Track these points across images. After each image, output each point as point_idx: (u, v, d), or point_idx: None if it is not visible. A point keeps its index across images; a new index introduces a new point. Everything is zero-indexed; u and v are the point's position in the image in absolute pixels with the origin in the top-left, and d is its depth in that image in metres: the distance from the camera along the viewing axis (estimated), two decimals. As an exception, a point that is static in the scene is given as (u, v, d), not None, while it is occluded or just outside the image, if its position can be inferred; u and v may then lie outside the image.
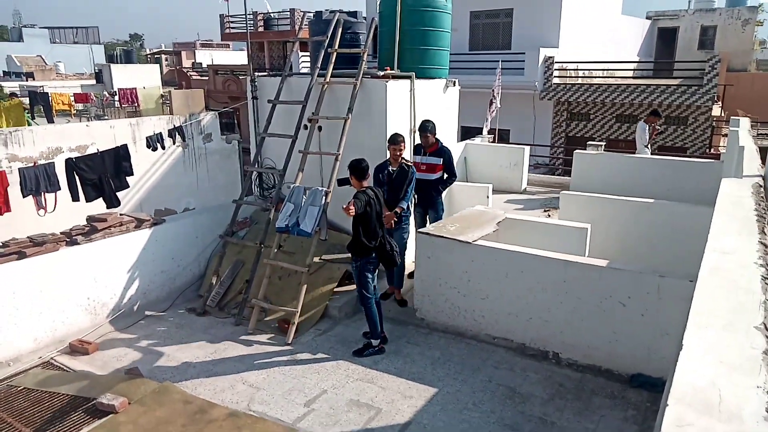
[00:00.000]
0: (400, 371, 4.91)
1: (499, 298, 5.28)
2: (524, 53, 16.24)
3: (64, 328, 5.50)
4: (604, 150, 9.88)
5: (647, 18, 24.13)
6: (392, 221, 5.79)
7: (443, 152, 6.37)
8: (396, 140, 5.85)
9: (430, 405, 4.42)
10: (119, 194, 6.58)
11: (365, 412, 4.33)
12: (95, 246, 5.76)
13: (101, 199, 6.14)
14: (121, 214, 6.28)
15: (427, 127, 6.25)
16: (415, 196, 6.46)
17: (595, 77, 17.04)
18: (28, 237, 5.48)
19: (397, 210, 5.84)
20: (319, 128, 6.75)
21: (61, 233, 5.71)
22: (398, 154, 5.84)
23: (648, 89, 15.08)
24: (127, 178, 6.66)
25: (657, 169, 8.57)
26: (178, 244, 6.59)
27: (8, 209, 5.54)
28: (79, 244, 5.65)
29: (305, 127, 6.75)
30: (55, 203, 5.70)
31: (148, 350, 5.37)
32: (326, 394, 4.57)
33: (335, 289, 6.22)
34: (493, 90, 12.25)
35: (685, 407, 1.37)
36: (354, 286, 5.78)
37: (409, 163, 6.00)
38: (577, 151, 9.60)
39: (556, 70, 16.15)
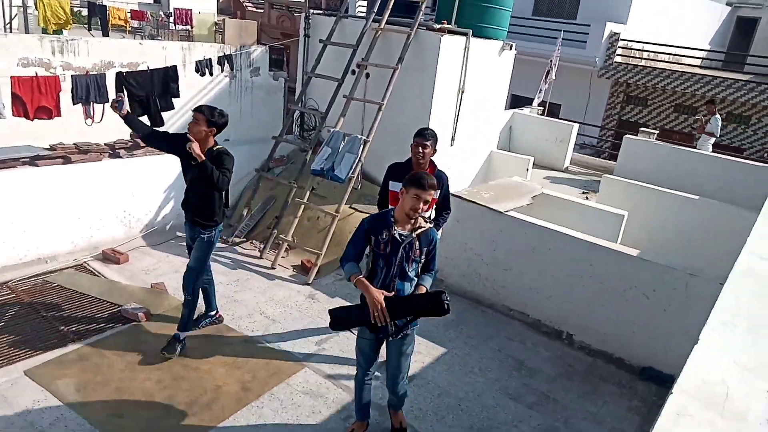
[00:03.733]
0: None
1: (522, 272, 5.25)
2: (589, 26, 15.51)
3: (99, 235, 5.73)
4: (657, 139, 9.51)
5: (727, 4, 22.66)
6: (386, 325, 3.08)
7: (440, 179, 3.90)
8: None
9: (437, 364, 4.49)
10: (164, 115, 6.67)
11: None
12: (136, 161, 5.91)
13: (146, 116, 6.25)
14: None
15: (426, 134, 3.99)
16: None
17: (660, 61, 16.23)
18: (74, 144, 5.66)
19: (420, 291, 3.18)
20: (367, 75, 6.67)
21: (105, 144, 5.88)
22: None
23: (714, 81, 14.31)
24: (174, 100, 6.73)
25: (708, 166, 8.23)
26: (214, 171, 6.70)
27: (59, 114, 5.69)
28: (121, 157, 5.81)
29: (353, 72, 6.67)
30: (103, 114, 5.84)
31: (174, 269, 5.56)
32: (337, 336, 4.68)
33: (361, 238, 6.28)
34: (551, 60, 11.81)
35: (690, 398, 1.36)
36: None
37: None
38: (627, 136, 9.28)
39: (619, 48, 15.43)
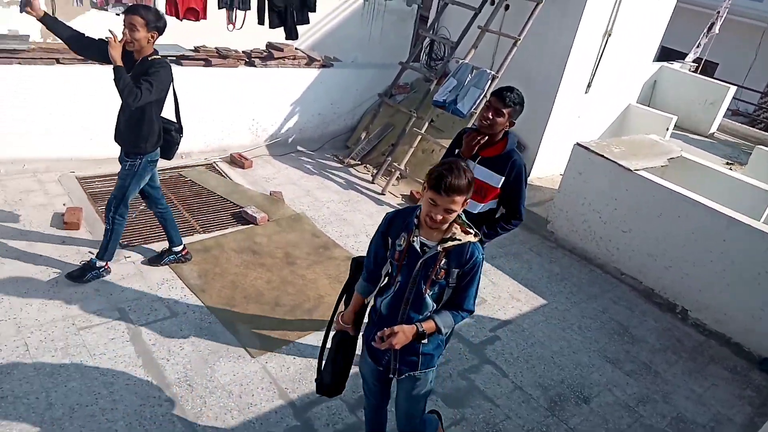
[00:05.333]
0: (515, 273, 4.88)
1: (642, 236, 4.90)
2: (772, -26, 13.39)
3: (229, 139, 6.09)
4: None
5: None
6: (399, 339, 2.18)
7: (512, 164, 2.95)
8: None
9: (534, 313, 4.40)
10: (299, 29, 6.77)
11: (470, 297, 4.43)
12: (269, 72, 6.12)
13: (282, 28, 6.37)
14: (296, 48, 6.54)
15: (506, 97, 2.88)
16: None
17: None
18: (215, 48, 5.93)
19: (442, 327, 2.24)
20: (506, 6, 6.27)
21: (242, 52, 6.11)
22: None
23: None
24: (310, 15, 6.79)
25: None
26: (339, 91, 6.79)
27: (205, 17, 5.95)
28: (255, 66, 6.03)
29: (492, 2, 6.31)
30: (243, 21, 6.02)
31: (292, 181, 5.82)
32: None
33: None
34: (717, 12, 10.42)
35: None
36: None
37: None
38: (794, 105, 8.09)
39: (805, 3, 13.23)
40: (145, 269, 4.01)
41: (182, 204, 4.98)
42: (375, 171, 6.32)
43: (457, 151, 3.06)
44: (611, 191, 5.08)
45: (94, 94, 5.03)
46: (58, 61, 4.93)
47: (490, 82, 5.80)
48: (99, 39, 3.40)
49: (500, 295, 4.55)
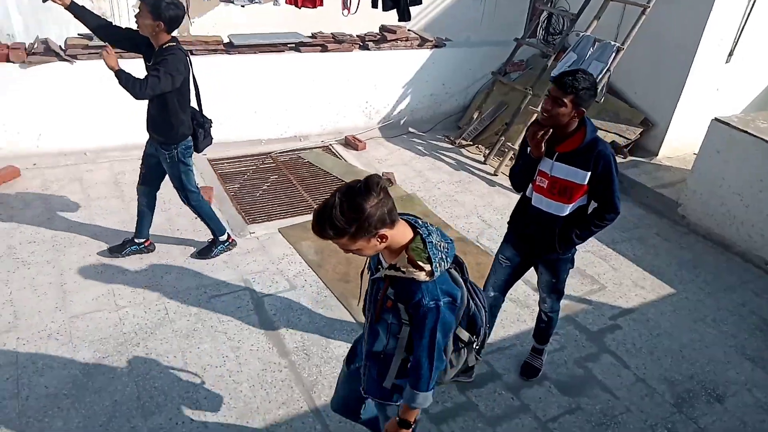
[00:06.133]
0: (639, 259, 4.55)
1: (793, 222, 4.34)
2: None
3: (344, 122, 6.27)
4: None
5: None
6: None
7: (598, 155, 2.57)
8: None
9: (661, 303, 4.08)
10: (411, 10, 6.76)
11: (588, 283, 4.21)
12: (381, 54, 6.19)
13: (395, 11, 6.39)
14: (408, 30, 6.54)
15: (567, 83, 2.44)
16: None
17: None
18: (331, 33, 6.10)
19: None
20: (635, -28, 5.77)
21: (356, 36, 6.23)
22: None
23: None
24: (422, -5, 6.75)
25: None
26: (451, 71, 6.70)
27: (321, 3, 6.14)
28: (369, 49, 6.12)
29: (619, -32, 5.84)
30: (357, 6, 6.13)
31: (404, 162, 5.87)
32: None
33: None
34: None
35: None
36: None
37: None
38: None
39: None
40: (268, 244, 4.27)
41: (301, 184, 5.22)
42: (487, 151, 6.18)
43: (528, 149, 2.69)
44: (757, 171, 4.54)
45: (216, 84, 5.40)
46: (191, 52, 5.36)
47: (614, 54, 5.41)
48: (126, 28, 3.46)
49: (622, 281, 4.27)
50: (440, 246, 1.78)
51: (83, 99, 4.98)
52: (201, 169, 5.21)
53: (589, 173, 2.59)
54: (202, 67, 5.30)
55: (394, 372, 1.96)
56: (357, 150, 5.98)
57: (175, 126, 3.46)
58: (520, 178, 2.84)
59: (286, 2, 6.28)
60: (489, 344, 3.22)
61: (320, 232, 1.66)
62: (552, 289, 3.05)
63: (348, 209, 1.61)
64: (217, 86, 5.38)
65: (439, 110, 6.85)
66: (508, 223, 3.00)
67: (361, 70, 6.13)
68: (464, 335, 1.97)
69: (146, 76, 3.19)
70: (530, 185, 2.80)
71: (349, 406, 2.39)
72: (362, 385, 2.10)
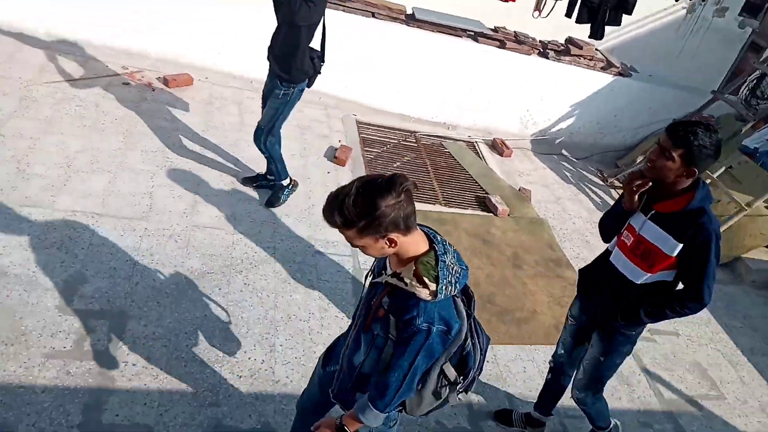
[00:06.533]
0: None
1: None
2: None
3: (497, 123, 6.02)
4: None
5: None
6: None
7: (698, 228, 2.14)
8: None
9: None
10: (606, 29, 6.29)
11: (706, 386, 3.73)
12: (559, 67, 5.84)
13: (589, 25, 5.98)
14: (596, 49, 6.11)
15: (680, 133, 2.10)
16: None
17: None
18: (514, 31, 5.86)
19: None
20: None
21: (539, 41, 5.93)
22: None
23: None
24: (623, 16, 6.24)
25: None
26: (627, 104, 6.19)
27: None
28: (548, 58, 5.80)
29: None
30: (551, 10, 5.80)
31: (545, 183, 5.55)
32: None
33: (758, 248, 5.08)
34: None
35: None
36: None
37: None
38: None
39: None
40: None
41: (434, 173, 5.12)
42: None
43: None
44: None
45: (388, 52, 5.41)
46: (373, 15, 5.40)
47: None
48: None
49: (747, 400, 3.71)
50: (453, 269, 1.63)
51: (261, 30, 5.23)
52: (347, 128, 5.30)
53: (681, 246, 2.16)
54: (379, 31, 5.36)
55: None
56: (501, 156, 5.75)
57: (299, 62, 3.44)
58: (608, 226, 2.49)
59: (480, -12, 6.11)
60: (571, 408, 2.95)
61: (329, 218, 1.56)
62: (594, 371, 2.57)
63: (362, 202, 1.50)
64: (388, 54, 5.40)
65: (601, 141, 6.37)
66: (579, 276, 2.65)
67: (533, 77, 5.83)
68: (451, 374, 1.78)
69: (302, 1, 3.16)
70: (616, 238, 2.45)
71: (317, 410, 2.18)
72: (332, 388, 1.96)
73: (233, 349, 2.89)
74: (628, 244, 2.34)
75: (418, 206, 4.39)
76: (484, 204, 4.83)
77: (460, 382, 1.81)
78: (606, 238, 2.54)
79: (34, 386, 2.44)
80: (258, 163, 4.25)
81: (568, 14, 5.84)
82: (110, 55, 5.00)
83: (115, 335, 2.76)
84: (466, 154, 5.57)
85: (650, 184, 2.22)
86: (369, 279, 1.83)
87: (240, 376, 2.79)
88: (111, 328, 2.79)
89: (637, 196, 2.26)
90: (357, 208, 1.50)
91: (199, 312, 3.03)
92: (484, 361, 1.89)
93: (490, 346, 1.99)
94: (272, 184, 4.03)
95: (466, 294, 1.80)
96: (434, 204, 4.67)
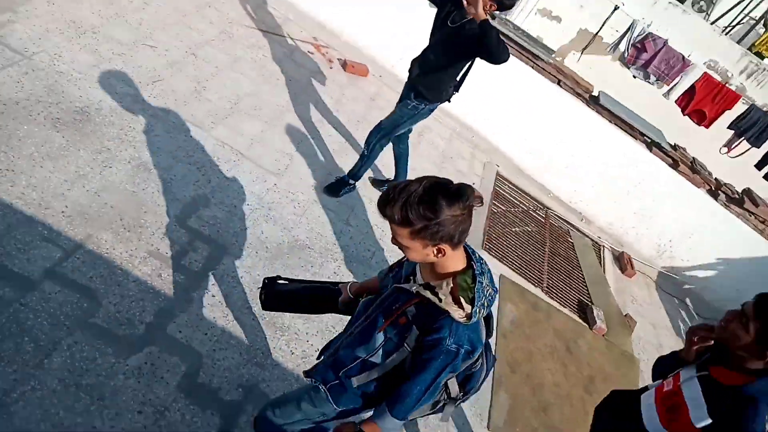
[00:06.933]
0: None
1: None
2: None
3: (631, 238, 5.64)
4: None
5: None
6: None
7: (739, 415, 1.80)
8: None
9: None
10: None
11: None
12: (724, 214, 5.32)
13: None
14: (772, 214, 5.59)
15: (760, 308, 1.84)
16: None
17: None
18: (692, 157, 5.53)
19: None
20: None
21: (715, 178, 5.54)
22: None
23: None
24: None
25: None
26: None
27: (707, 126, 5.60)
28: (715, 200, 5.39)
29: None
30: (742, 153, 5.41)
31: (653, 321, 5.13)
32: None
33: None
34: None
35: None
36: None
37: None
38: None
39: None
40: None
41: (549, 256, 4.94)
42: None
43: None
44: None
45: (559, 122, 5.31)
46: (559, 83, 5.34)
47: None
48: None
49: None
50: (487, 291, 1.59)
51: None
52: (486, 174, 5.28)
53: (710, 422, 1.85)
54: (558, 101, 5.26)
55: (362, 380, 1.78)
56: (623, 272, 5.41)
57: (446, 86, 3.46)
58: (661, 365, 2.24)
59: (676, 102, 5.87)
60: None
61: (385, 209, 1.48)
62: None
63: (426, 205, 1.44)
64: (556, 124, 5.31)
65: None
66: (609, 394, 2.42)
67: (690, 211, 5.41)
68: (454, 389, 1.77)
69: (501, 41, 3.04)
70: (660, 379, 2.18)
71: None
72: (312, 369, 1.91)
73: (298, 327, 2.96)
74: (664, 390, 2.09)
75: (519, 281, 4.27)
76: (584, 312, 4.57)
77: (459, 398, 1.81)
78: (654, 375, 2.31)
79: (129, 273, 2.65)
80: (390, 168, 4.33)
81: (759, 166, 5.44)
82: (308, 22, 5.37)
83: (210, 263, 2.93)
84: (589, 253, 5.31)
85: (711, 342, 1.99)
86: (390, 278, 1.83)
87: (292, 353, 2.84)
88: (210, 255, 2.97)
89: (695, 349, 2.02)
90: (420, 209, 1.44)
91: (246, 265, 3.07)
92: (485, 380, 1.86)
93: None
94: (345, 178, 3.94)
95: (488, 315, 1.74)
96: (536, 286, 4.50)
